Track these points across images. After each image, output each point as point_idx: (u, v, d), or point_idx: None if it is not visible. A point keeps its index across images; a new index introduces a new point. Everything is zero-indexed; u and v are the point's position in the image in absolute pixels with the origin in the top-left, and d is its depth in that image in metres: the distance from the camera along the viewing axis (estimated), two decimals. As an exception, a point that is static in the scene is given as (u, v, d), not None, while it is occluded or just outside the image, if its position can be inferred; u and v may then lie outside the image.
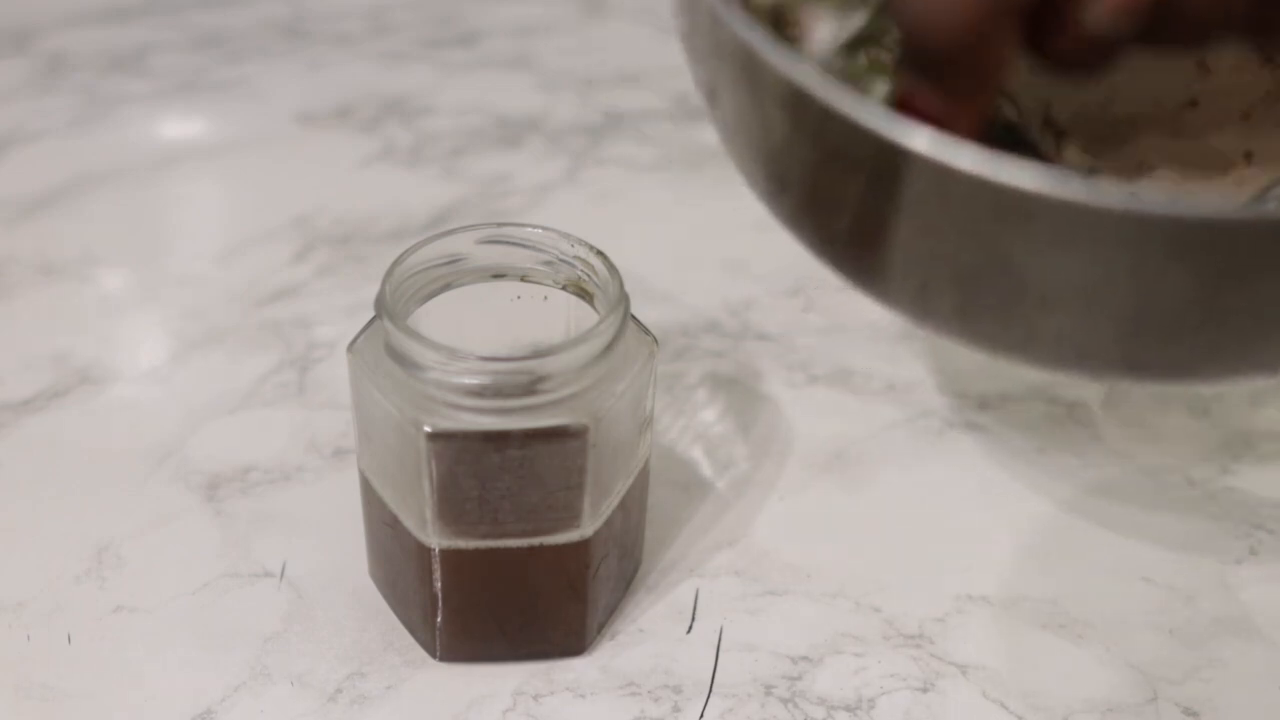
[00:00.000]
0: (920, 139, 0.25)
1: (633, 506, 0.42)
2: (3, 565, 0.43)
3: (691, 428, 0.50)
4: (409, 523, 0.39)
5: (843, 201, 0.28)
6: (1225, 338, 0.26)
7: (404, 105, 0.68)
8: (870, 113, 0.25)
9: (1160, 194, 0.33)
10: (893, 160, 0.25)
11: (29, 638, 0.41)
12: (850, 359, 0.53)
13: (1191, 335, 0.26)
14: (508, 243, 0.40)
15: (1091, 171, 0.35)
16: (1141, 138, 0.38)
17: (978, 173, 0.25)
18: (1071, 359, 0.28)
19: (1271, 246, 0.24)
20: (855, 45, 0.33)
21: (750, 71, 0.27)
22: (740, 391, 0.51)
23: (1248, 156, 0.37)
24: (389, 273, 0.39)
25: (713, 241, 0.60)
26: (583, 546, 0.39)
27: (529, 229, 0.40)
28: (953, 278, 0.27)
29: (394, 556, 0.41)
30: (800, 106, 0.26)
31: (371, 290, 0.38)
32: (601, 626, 0.42)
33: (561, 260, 0.40)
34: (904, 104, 0.28)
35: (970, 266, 0.27)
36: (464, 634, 0.41)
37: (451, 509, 0.38)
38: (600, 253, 0.39)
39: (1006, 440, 0.50)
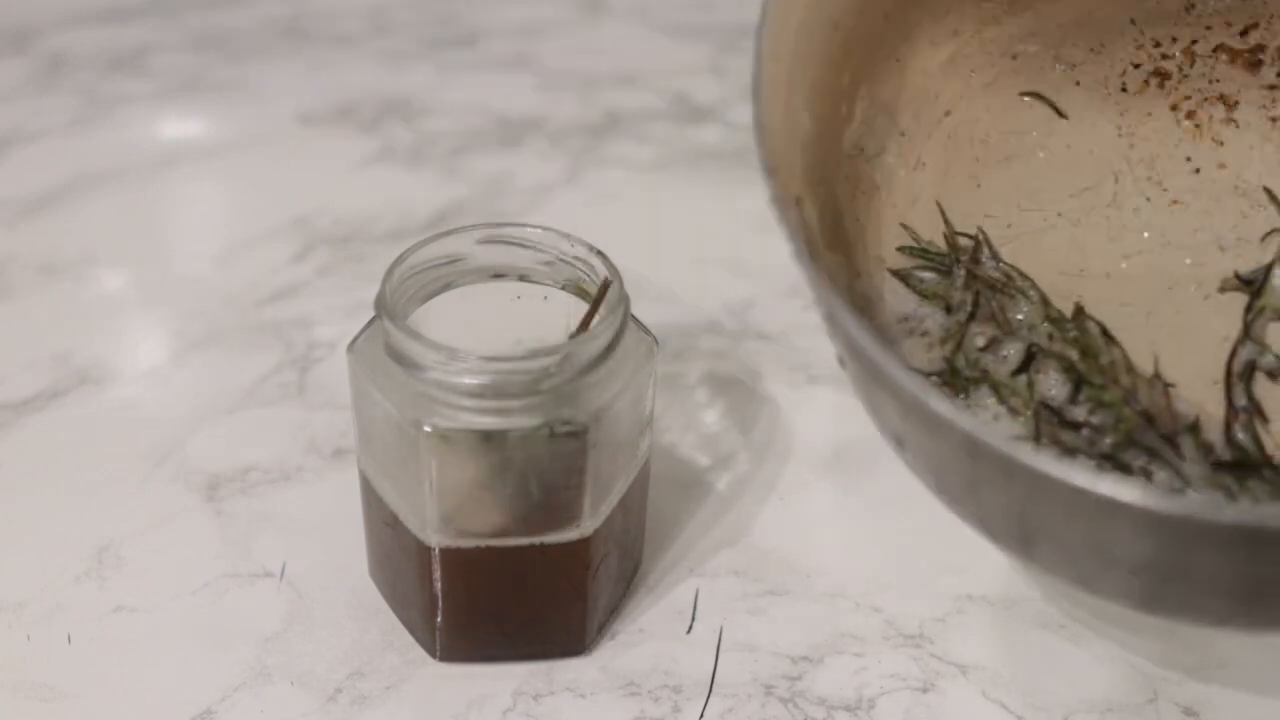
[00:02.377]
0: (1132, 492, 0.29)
1: (633, 506, 0.42)
2: (3, 565, 0.43)
3: (691, 428, 0.50)
4: (409, 523, 0.39)
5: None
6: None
7: (404, 105, 0.68)
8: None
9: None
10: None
11: (29, 638, 0.41)
12: (850, 359, 0.53)
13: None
14: (508, 243, 0.40)
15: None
16: None
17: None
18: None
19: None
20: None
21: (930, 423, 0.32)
22: (740, 391, 0.51)
23: None
24: (389, 273, 0.39)
25: (713, 241, 0.60)
26: (583, 546, 0.39)
27: (529, 229, 0.40)
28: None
29: (394, 556, 0.41)
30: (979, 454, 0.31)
31: (371, 290, 0.38)
32: (601, 626, 0.42)
33: (561, 260, 0.40)
34: None
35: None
36: (464, 634, 0.41)
37: (451, 509, 0.38)
38: (600, 253, 0.39)
39: (1006, 440, 0.50)
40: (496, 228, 0.40)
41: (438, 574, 0.39)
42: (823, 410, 0.51)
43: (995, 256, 0.43)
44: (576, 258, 0.40)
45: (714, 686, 0.41)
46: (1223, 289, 0.43)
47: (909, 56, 0.43)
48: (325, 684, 0.40)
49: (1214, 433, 0.39)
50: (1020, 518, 0.32)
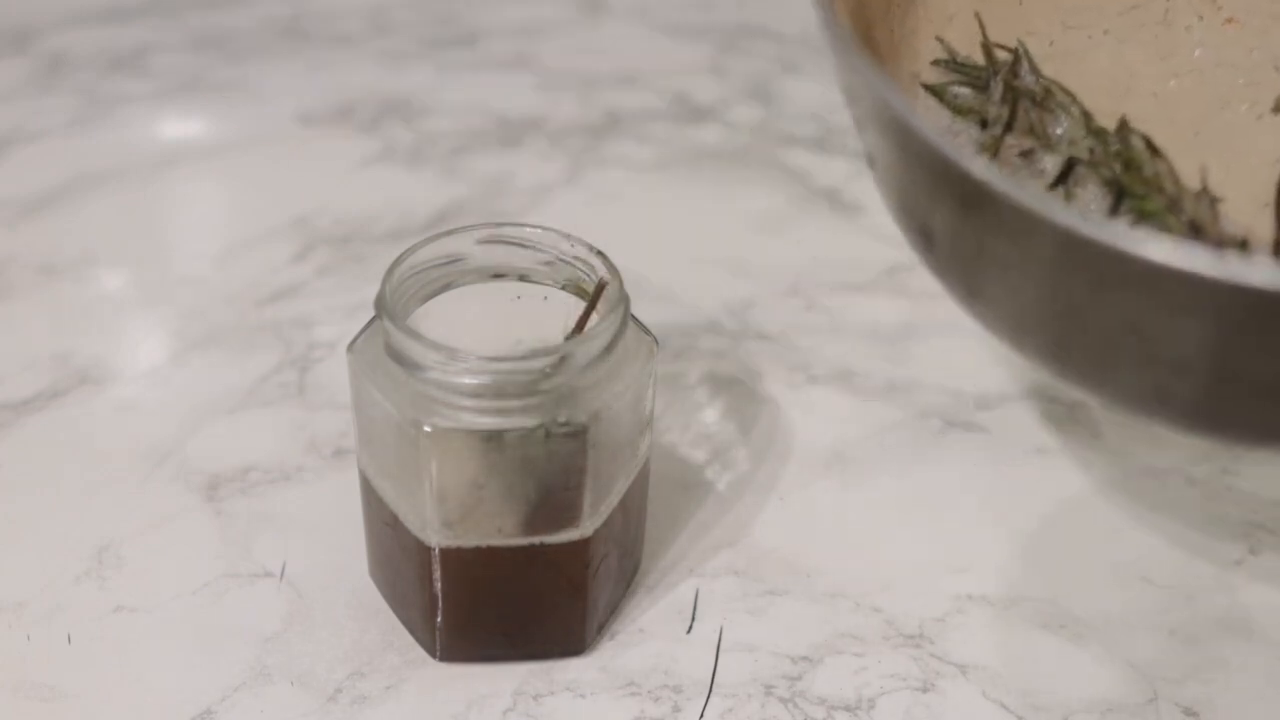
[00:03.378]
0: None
1: (633, 506, 0.42)
2: (3, 565, 0.43)
3: (691, 428, 0.50)
4: (409, 523, 0.39)
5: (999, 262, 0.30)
6: None
7: (404, 105, 0.68)
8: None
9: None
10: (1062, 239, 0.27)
11: (29, 638, 0.41)
12: (850, 359, 0.53)
13: None
14: (508, 243, 0.40)
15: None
16: None
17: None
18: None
19: None
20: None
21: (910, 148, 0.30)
22: (740, 391, 0.51)
23: None
24: (389, 273, 0.39)
25: (713, 241, 0.60)
26: (582, 546, 0.39)
27: (529, 229, 0.40)
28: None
29: (394, 556, 0.41)
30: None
31: (371, 290, 0.38)
32: (601, 626, 0.42)
33: (561, 260, 0.40)
34: None
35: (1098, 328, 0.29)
36: (464, 634, 0.41)
37: (451, 509, 0.38)
38: (600, 253, 0.39)
39: (1006, 440, 0.50)
40: (496, 228, 0.40)
41: (438, 574, 0.39)
42: (823, 410, 0.51)
43: (1035, 70, 0.41)
44: (576, 258, 0.40)
45: (714, 686, 0.41)
46: (1277, 109, 0.41)
47: None
48: (325, 684, 0.40)
49: (1261, 255, 0.37)
50: (1060, 305, 0.29)
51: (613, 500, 0.40)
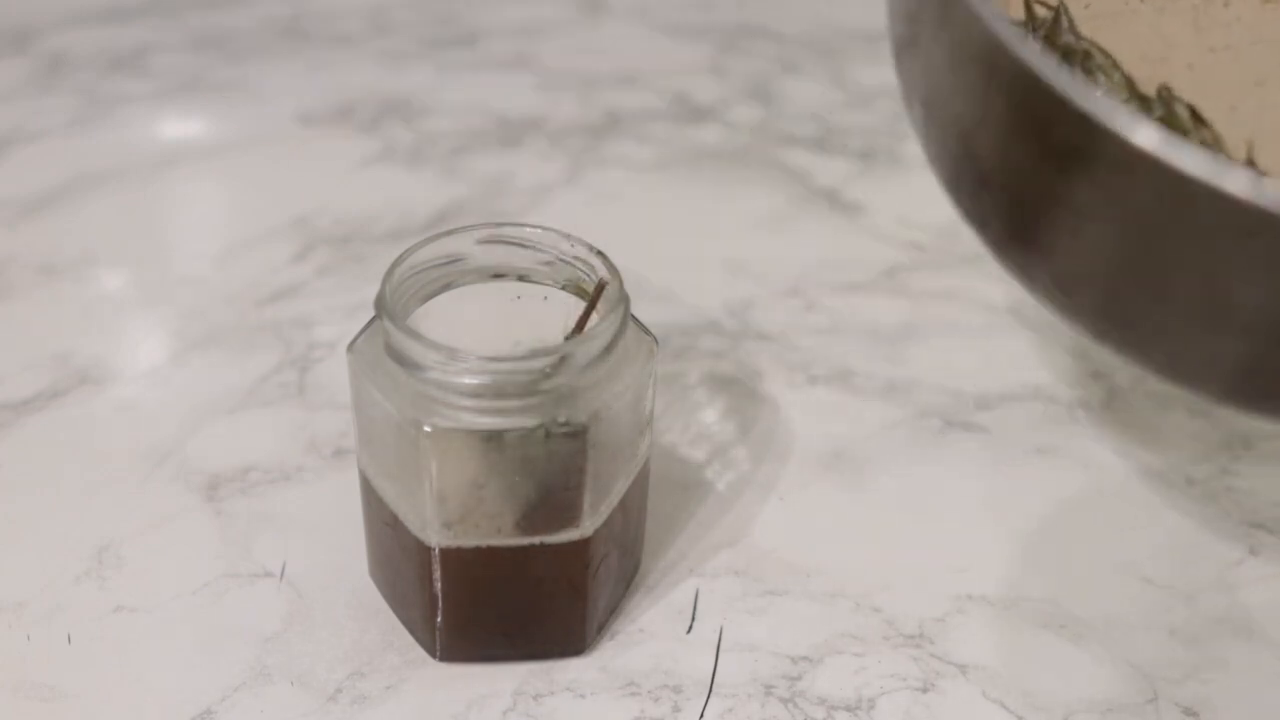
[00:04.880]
0: (1145, 133, 0.24)
1: (633, 506, 0.42)
2: (3, 565, 0.43)
3: (691, 428, 0.50)
4: (409, 523, 0.39)
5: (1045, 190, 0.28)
6: None
7: (404, 105, 0.68)
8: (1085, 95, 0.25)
9: None
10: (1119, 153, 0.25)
11: (29, 638, 0.41)
12: (850, 359, 0.53)
13: None
14: (508, 243, 0.40)
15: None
16: None
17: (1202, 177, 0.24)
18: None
19: None
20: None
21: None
22: (740, 391, 0.51)
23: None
24: (389, 273, 0.39)
25: (713, 241, 0.60)
26: (582, 546, 0.39)
27: (529, 229, 0.40)
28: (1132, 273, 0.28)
29: (394, 556, 0.41)
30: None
31: (371, 290, 0.38)
32: (601, 626, 0.42)
33: (561, 260, 0.40)
34: None
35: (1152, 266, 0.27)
36: (464, 634, 0.41)
37: (451, 509, 0.38)
38: (600, 253, 0.39)
39: (1006, 440, 0.50)
40: (496, 228, 0.40)
41: (438, 574, 0.39)
42: (823, 410, 0.51)
43: (1075, 31, 0.40)
44: (576, 258, 0.40)
45: (714, 686, 0.41)
46: None
47: None
48: (325, 684, 0.40)
49: None
50: (1139, 253, 0.27)
51: (613, 500, 0.40)
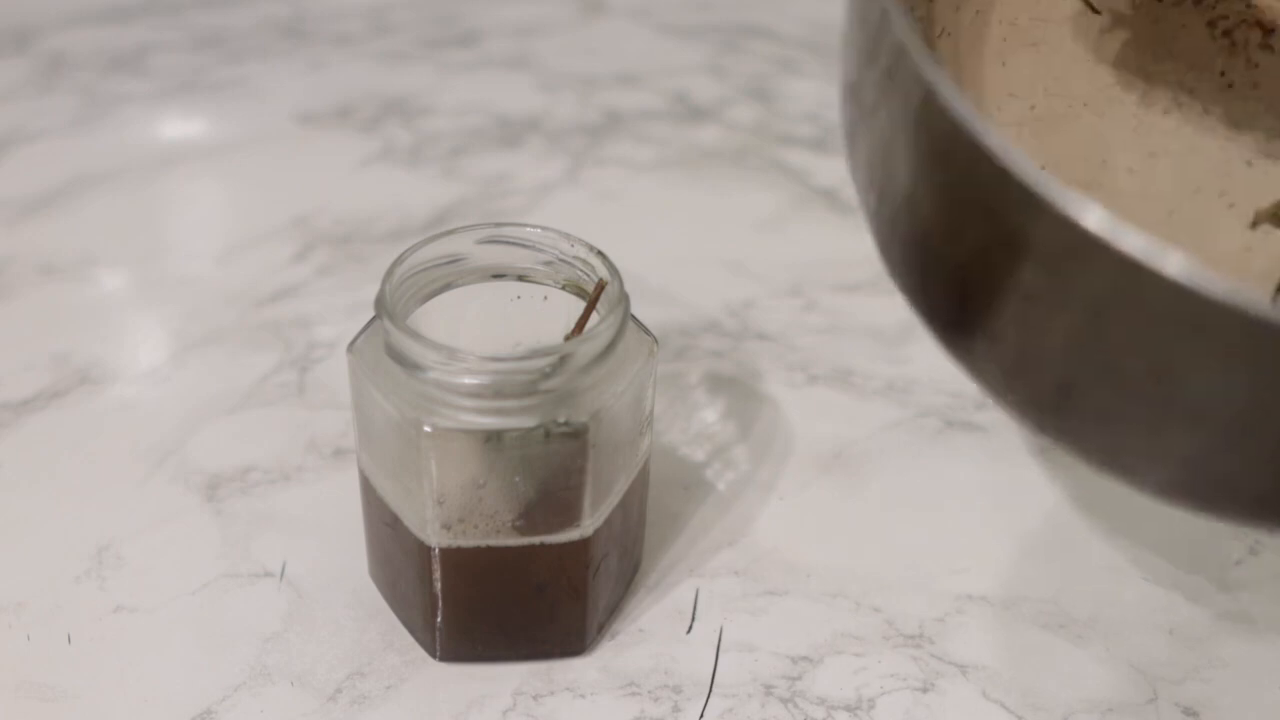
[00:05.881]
0: (1093, 217, 0.24)
1: (633, 506, 0.42)
2: (3, 565, 0.43)
3: (691, 428, 0.50)
4: (409, 523, 0.39)
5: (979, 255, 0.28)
6: None
7: (404, 105, 0.68)
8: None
9: None
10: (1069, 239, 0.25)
11: (29, 638, 0.41)
12: (850, 359, 0.53)
13: None
14: (507, 243, 0.40)
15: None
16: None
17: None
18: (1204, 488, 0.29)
19: None
20: None
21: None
22: (740, 391, 0.51)
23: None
24: (389, 273, 0.39)
25: (713, 241, 0.60)
26: (583, 546, 0.39)
27: (529, 229, 0.40)
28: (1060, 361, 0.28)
29: (394, 556, 0.41)
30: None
31: (371, 290, 0.38)
32: (601, 626, 0.42)
33: (561, 260, 0.40)
34: None
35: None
36: (464, 634, 0.41)
37: (451, 509, 0.38)
38: (600, 253, 0.39)
39: (1006, 440, 0.50)
40: (496, 228, 0.40)
41: (438, 574, 0.39)
42: (823, 410, 0.51)
43: None
44: (576, 258, 0.40)
45: (714, 686, 0.41)
46: (1254, 224, 0.41)
47: None
48: (325, 684, 0.40)
49: None
50: (1073, 340, 0.27)
51: (613, 500, 0.40)
